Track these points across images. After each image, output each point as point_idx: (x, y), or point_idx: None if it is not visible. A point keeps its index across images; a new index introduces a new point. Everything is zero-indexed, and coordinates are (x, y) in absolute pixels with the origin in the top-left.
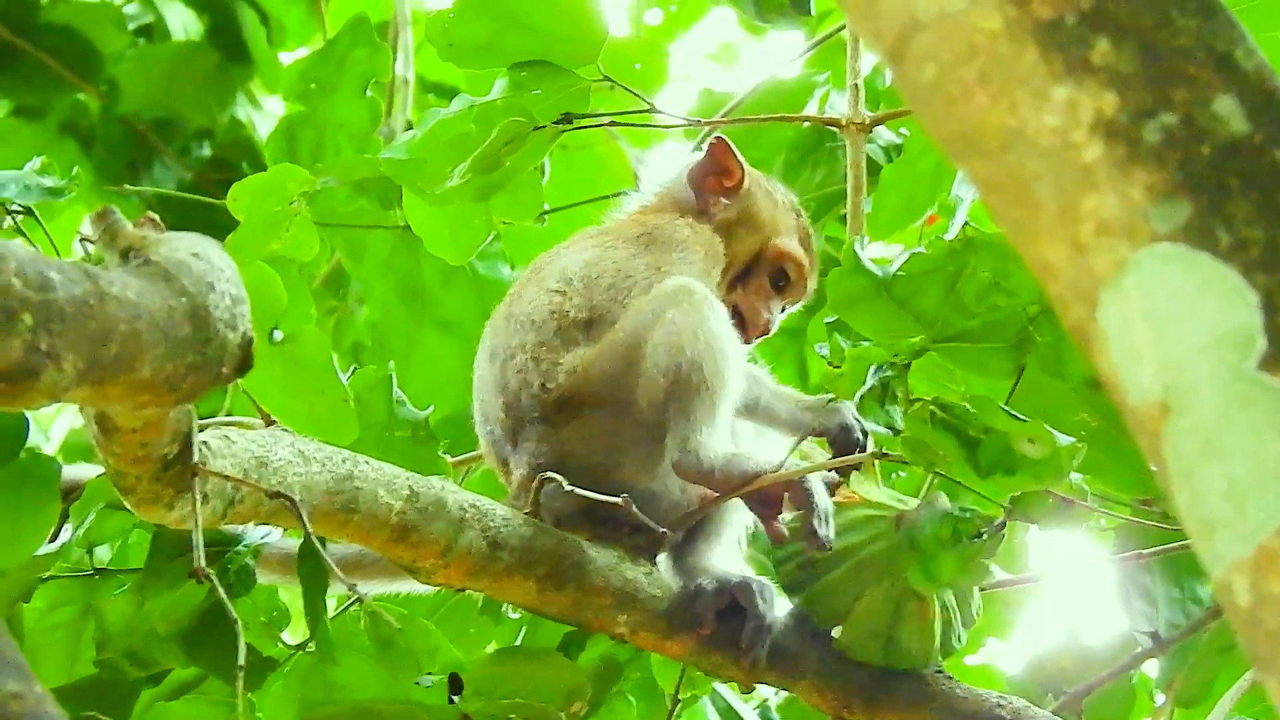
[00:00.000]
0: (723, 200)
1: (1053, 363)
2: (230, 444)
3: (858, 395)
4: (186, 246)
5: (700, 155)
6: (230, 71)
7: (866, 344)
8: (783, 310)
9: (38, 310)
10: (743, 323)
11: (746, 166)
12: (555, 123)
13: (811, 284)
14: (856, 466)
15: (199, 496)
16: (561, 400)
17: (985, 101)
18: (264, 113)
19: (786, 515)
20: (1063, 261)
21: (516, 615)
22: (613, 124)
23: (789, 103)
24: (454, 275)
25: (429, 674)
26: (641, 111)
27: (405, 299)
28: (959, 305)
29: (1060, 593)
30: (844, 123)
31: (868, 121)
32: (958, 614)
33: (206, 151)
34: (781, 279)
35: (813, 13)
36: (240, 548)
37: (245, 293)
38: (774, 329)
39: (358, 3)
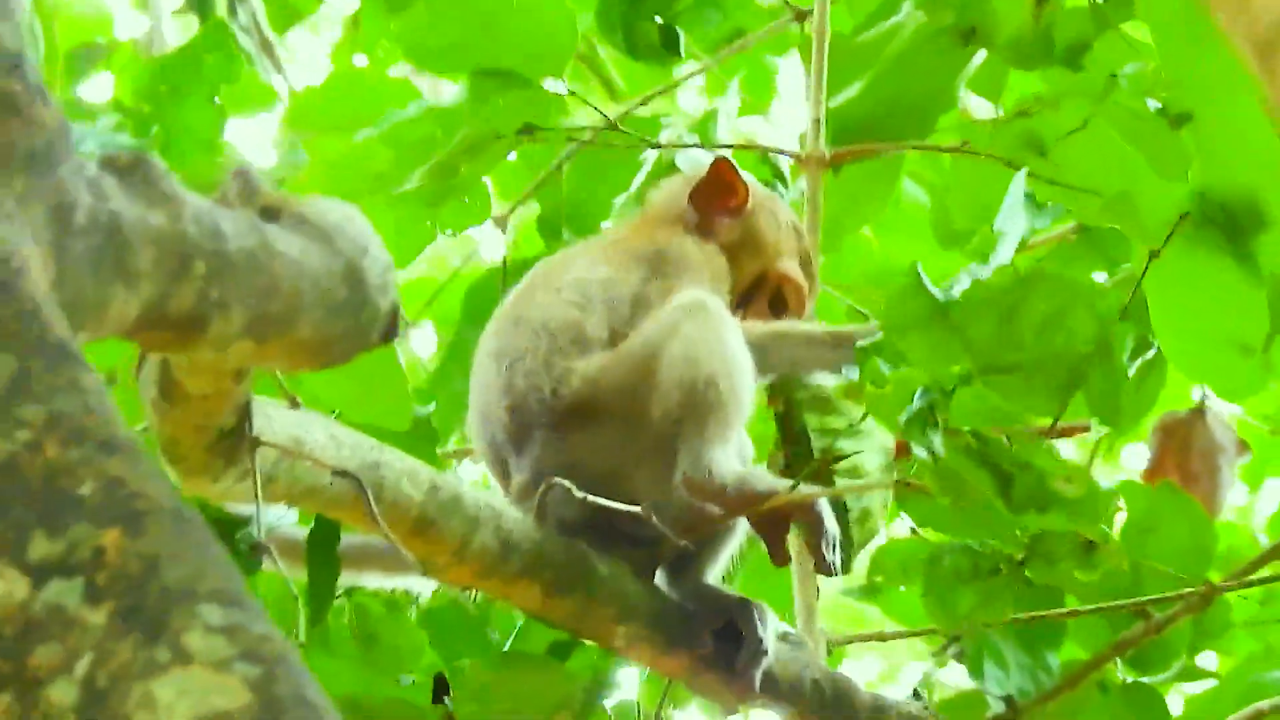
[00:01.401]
0: (726, 220)
1: (1105, 406)
2: (270, 422)
3: (904, 417)
4: (337, 209)
5: (702, 172)
6: None
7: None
8: None
9: (210, 259)
10: None
11: (752, 184)
12: (518, 133)
13: (809, 307)
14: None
15: (257, 468)
16: (573, 407)
17: None
18: None
19: None
20: None
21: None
22: (570, 139)
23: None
24: None
25: (409, 673)
26: (601, 129)
27: None
28: (1013, 338)
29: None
30: (803, 156)
31: (827, 157)
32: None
33: None
34: (780, 304)
35: (682, 54)
36: (250, 529)
37: (392, 260)
38: None
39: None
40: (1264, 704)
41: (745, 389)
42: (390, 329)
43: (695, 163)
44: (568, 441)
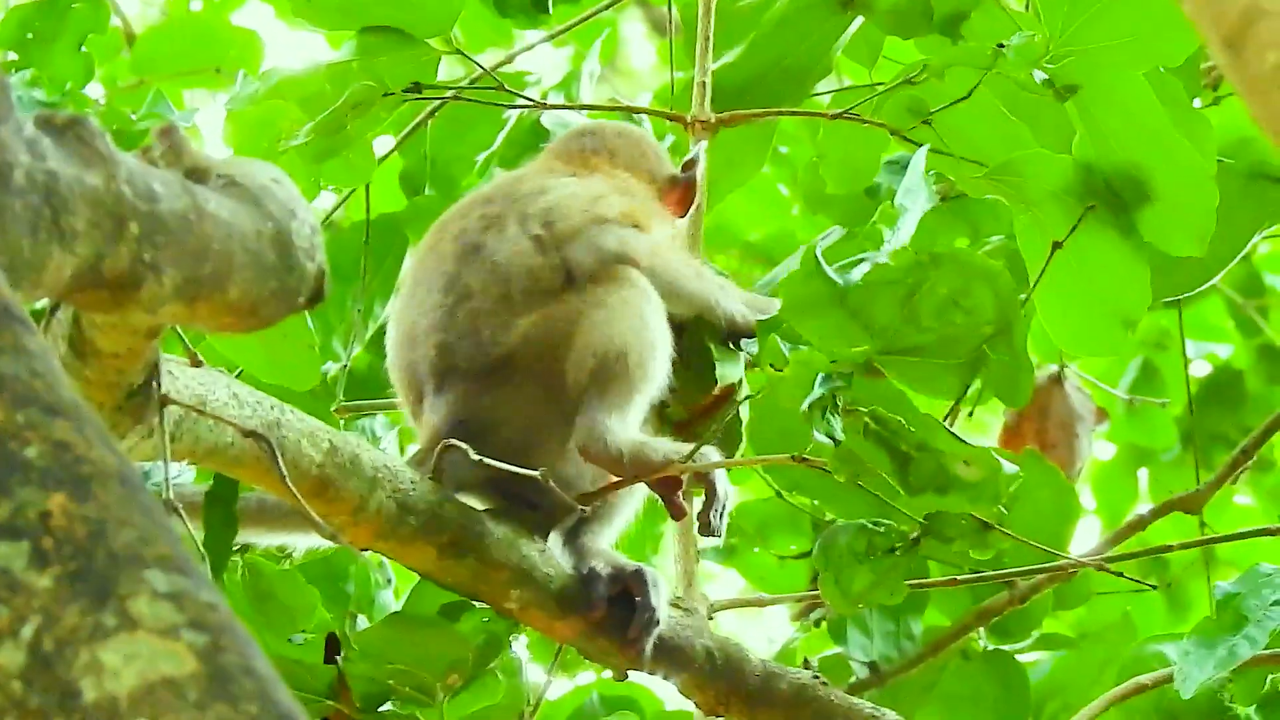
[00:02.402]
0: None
1: (1005, 385)
2: (174, 380)
3: (806, 403)
4: (265, 172)
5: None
6: None
7: (806, 348)
8: None
9: (144, 220)
10: None
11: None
12: (405, 91)
13: None
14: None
15: (167, 427)
16: (498, 361)
17: None
18: None
19: None
20: None
21: None
22: (457, 97)
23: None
24: None
25: (301, 632)
26: (489, 89)
27: None
28: (914, 319)
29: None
30: (689, 119)
31: (714, 120)
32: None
33: None
34: None
35: (550, 12)
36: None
37: (319, 223)
38: None
39: None
40: (1145, 677)
41: (657, 365)
42: (317, 293)
43: (561, 121)
44: (486, 395)
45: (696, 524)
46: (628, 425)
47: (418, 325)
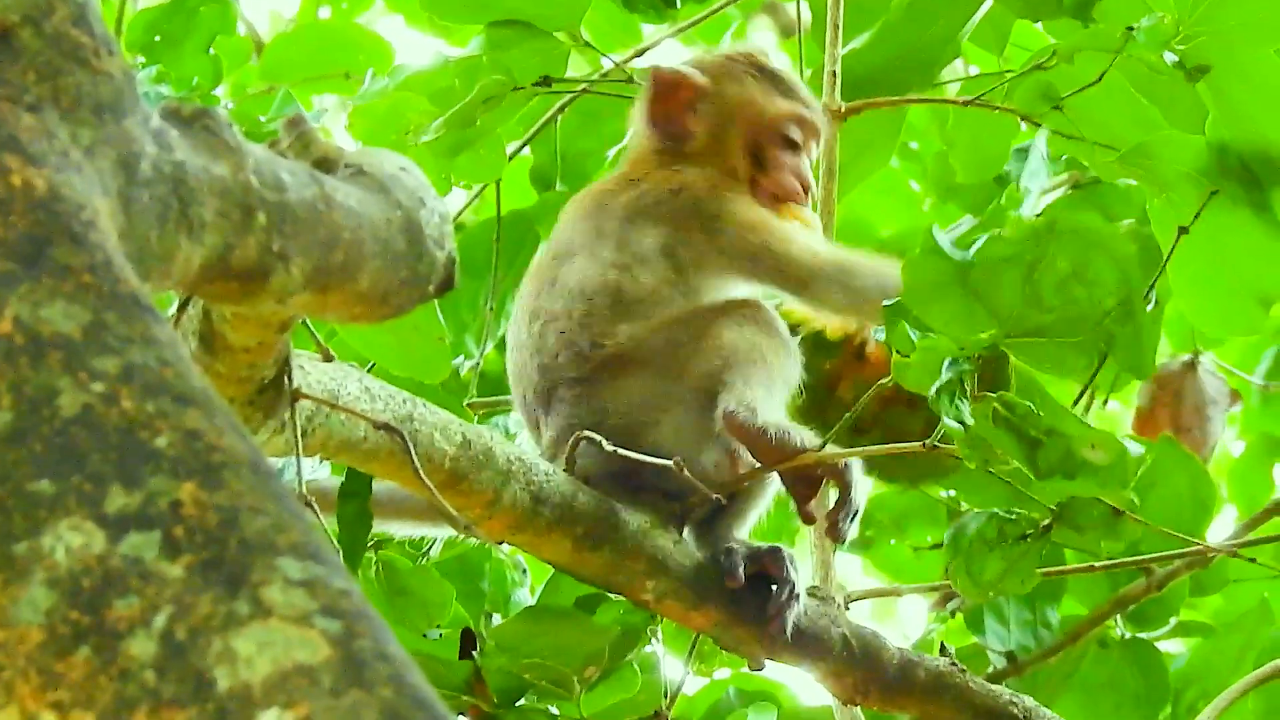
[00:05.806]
0: (694, 114)
1: (1133, 358)
2: (306, 374)
3: (933, 389)
4: (392, 160)
5: (645, 97)
6: None
7: (932, 335)
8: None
9: (272, 210)
10: (782, 198)
11: (707, 64)
12: (534, 84)
13: (819, 119)
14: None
15: (299, 422)
16: (607, 361)
17: None
18: None
19: None
20: None
21: None
22: (588, 90)
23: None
24: None
25: (437, 628)
26: (618, 81)
27: None
28: (1036, 298)
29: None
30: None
31: (843, 109)
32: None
33: None
34: (789, 141)
35: (679, 6)
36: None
37: (449, 211)
38: (811, 183)
39: None
40: None
41: (789, 367)
42: (447, 280)
43: None
44: (598, 394)
45: (825, 524)
46: (773, 406)
47: (522, 360)
